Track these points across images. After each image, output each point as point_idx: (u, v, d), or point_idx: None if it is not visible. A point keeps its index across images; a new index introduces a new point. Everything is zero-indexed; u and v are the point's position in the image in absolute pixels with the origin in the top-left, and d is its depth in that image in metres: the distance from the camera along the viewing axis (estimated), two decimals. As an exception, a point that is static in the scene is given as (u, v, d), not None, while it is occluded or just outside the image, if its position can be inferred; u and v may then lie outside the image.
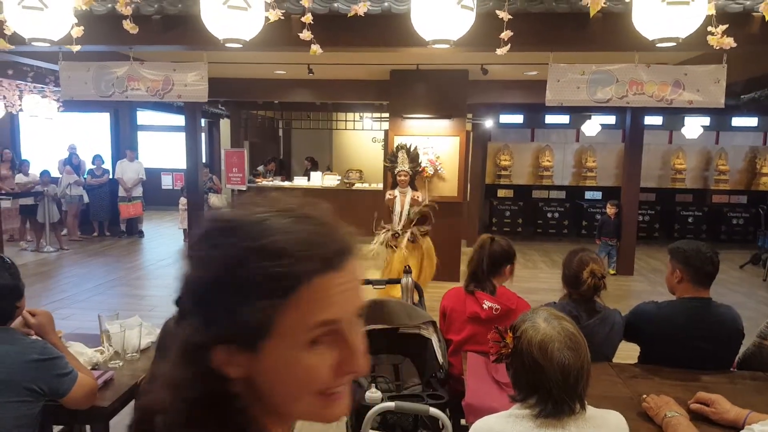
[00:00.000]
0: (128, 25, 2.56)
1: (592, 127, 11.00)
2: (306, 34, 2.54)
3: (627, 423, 1.99)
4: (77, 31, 2.49)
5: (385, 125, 10.40)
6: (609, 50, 4.22)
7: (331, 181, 11.65)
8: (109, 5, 2.47)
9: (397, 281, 3.43)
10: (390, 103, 8.41)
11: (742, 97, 8.42)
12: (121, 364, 2.50)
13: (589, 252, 2.69)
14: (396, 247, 6.08)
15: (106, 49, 5.04)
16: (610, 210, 8.58)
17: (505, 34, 2.62)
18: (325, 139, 15.38)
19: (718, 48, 2.46)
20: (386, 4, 3.26)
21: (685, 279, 2.54)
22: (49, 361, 1.89)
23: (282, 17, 2.49)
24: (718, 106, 4.63)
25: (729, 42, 2.41)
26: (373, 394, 2.42)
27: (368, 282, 3.33)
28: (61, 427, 2.90)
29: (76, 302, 6.46)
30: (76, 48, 2.78)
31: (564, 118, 12.34)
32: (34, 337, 2.05)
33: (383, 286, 3.44)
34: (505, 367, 1.55)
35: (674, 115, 11.23)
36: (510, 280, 3.01)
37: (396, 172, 6.35)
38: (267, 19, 2.45)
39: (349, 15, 2.62)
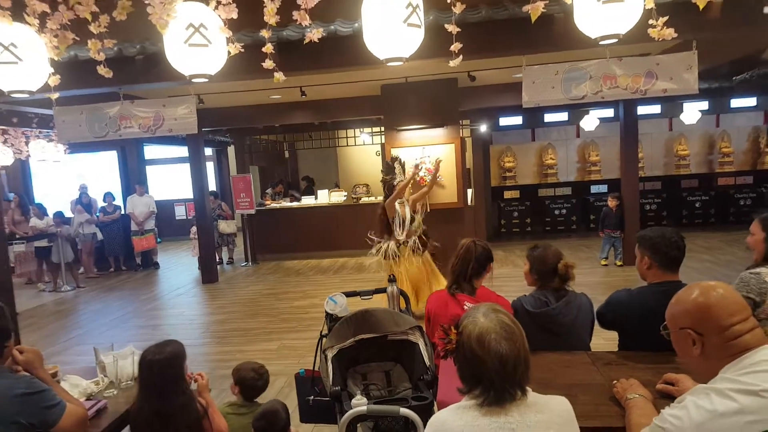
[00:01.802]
0: (102, 70, 2.70)
1: (590, 121, 11.04)
2: (268, 63, 2.67)
3: (599, 408, 2.08)
4: (54, 80, 2.64)
5: (383, 138, 10.53)
6: (573, 49, 4.31)
7: (338, 197, 11.82)
8: (85, 51, 2.62)
9: (384, 290, 3.52)
10: (384, 117, 8.56)
11: (734, 78, 8.42)
12: (115, 392, 2.62)
13: (553, 246, 2.84)
14: (398, 258, 6.15)
15: (96, 92, 5.27)
16: (612, 202, 8.62)
17: (455, 47, 2.72)
18: (330, 157, 15.56)
19: (659, 40, 2.54)
20: (332, 27, 3.41)
21: (654, 265, 2.61)
22: (36, 395, 2.01)
23: (242, 50, 2.62)
24: (693, 92, 4.68)
25: (670, 33, 2.48)
26: (358, 401, 2.50)
27: (356, 293, 3.42)
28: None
29: (91, 338, 6.63)
30: (55, 96, 2.94)
31: (563, 116, 12.38)
32: (23, 373, 2.14)
33: (370, 297, 3.53)
34: (453, 362, 1.63)
35: (672, 102, 11.21)
36: (491, 277, 3.10)
37: (396, 183, 6.46)
38: (229, 53, 2.59)
39: (305, 42, 2.75)
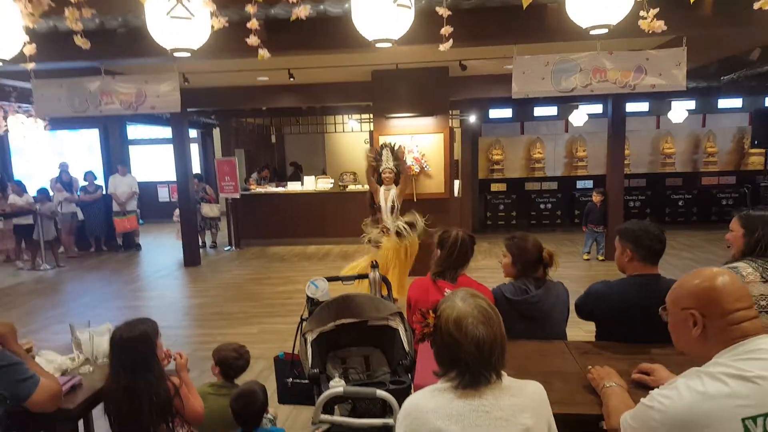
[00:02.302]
0: (79, 41, 2.63)
1: (579, 117, 11.07)
2: (253, 40, 2.62)
3: (574, 395, 2.09)
4: (29, 49, 2.56)
5: (371, 126, 10.48)
6: (564, 40, 4.30)
7: (325, 184, 11.76)
8: (64, 21, 2.54)
9: (366, 276, 3.51)
10: (373, 103, 8.50)
11: (722, 78, 8.47)
12: (91, 369, 2.58)
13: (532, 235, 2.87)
14: (381, 245, 6.16)
15: (79, 66, 5.15)
16: (596, 198, 8.67)
17: (445, 30, 2.68)
18: (318, 144, 15.47)
19: (650, 32, 2.53)
20: (322, 7, 3.35)
21: (635, 258, 2.62)
22: (8, 368, 1.98)
23: (227, 24, 2.56)
24: (681, 89, 4.69)
25: (660, 25, 2.47)
26: (336, 383, 2.49)
27: (337, 278, 3.41)
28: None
29: (70, 317, 6.54)
30: (31, 66, 2.85)
31: (552, 110, 12.40)
32: (-5, 347, 2.12)
33: (352, 282, 3.52)
34: (430, 346, 1.63)
35: (660, 100, 11.28)
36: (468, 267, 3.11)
37: (381, 170, 6.45)
38: (212, 27, 2.53)
39: (291, 19, 2.70)
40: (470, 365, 1.48)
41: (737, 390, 1.34)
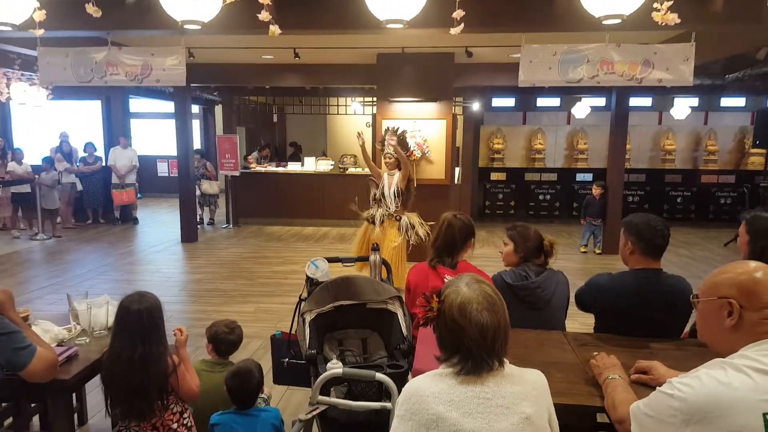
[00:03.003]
0: (91, 9, 2.60)
1: (582, 109, 11.03)
2: (264, 15, 2.59)
3: (573, 386, 2.10)
4: (39, 15, 2.53)
5: (374, 109, 10.44)
6: (574, 31, 4.27)
7: (325, 166, 11.72)
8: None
9: (366, 258, 3.51)
10: (377, 86, 8.45)
11: (727, 77, 8.45)
12: (88, 340, 2.58)
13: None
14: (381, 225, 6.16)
15: (85, 35, 5.09)
16: (596, 191, 8.68)
17: (457, 14, 2.66)
18: (320, 125, 15.39)
19: (662, 24, 2.51)
20: None
21: (637, 251, 2.62)
22: (5, 336, 1.97)
23: (238, -1, 2.54)
24: (687, 84, 4.67)
25: (673, 18, 2.46)
26: (333, 365, 2.50)
27: (338, 260, 3.41)
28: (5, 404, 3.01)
29: (65, 287, 6.54)
30: (40, 32, 2.82)
31: (555, 101, 12.35)
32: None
33: (352, 264, 3.52)
34: (433, 331, 1.62)
35: (663, 96, 11.24)
36: (470, 254, 3.10)
37: (384, 154, 6.41)
38: (224, 0, 2.50)
39: (303, -4, 2.67)
40: (473, 351, 1.47)
41: (761, 384, 1.34)
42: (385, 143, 6.49)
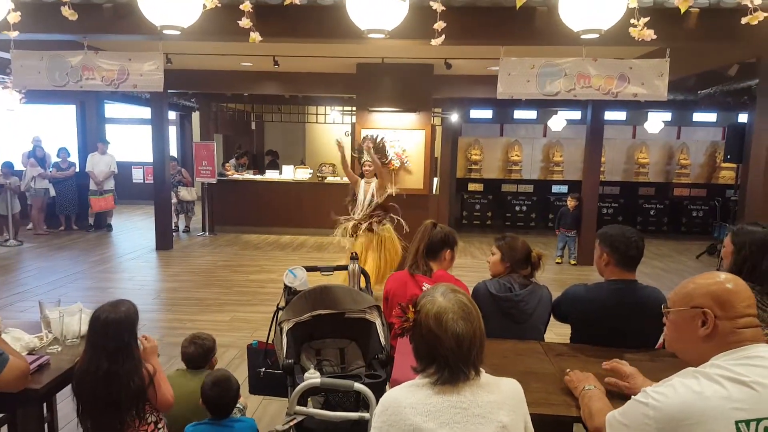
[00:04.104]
0: (67, 12, 2.56)
1: (558, 122, 11.19)
2: (245, 22, 2.58)
3: (550, 396, 2.11)
4: (14, 17, 2.48)
5: (354, 118, 10.47)
6: (553, 44, 4.35)
7: (303, 174, 11.69)
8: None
9: (345, 267, 3.50)
10: (357, 96, 8.48)
11: (699, 92, 8.65)
12: (60, 349, 2.53)
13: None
14: (356, 236, 6.15)
15: (61, 39, 5.02)
16: (571, 202, 8.78)
17: (438, 25, 2.69)
18: (298, 133, 15.36)
19: (639, 40, 2.57)
20: None
21: (612, 262, 2.65)
22: None
23: (219, 4, 2.52)
24: (662, 99, 4.78)
25: (650, 34, 2.52)
26: (311, 374, 2.48)
27: (316, 268, 3.39)
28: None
29: (36, 295, 6.40)
30: (14, 34, 2.77)
31: (532, 114, 12.53)
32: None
33: (331, 273, 3.50)
34: (409, 341, 1.62)
35: (637, 110, 11.47)
36: (450, 266, 3.11)
37: (362, 162, 6.40)
38: (204, 6, 2.49)
39: (285, 3, 2.67)
40: (449, 361, 1.47)
41: (734, 393, 1.36)
42: (363, 151, 6.48)
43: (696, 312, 1.53)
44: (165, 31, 2.47)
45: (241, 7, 2.53)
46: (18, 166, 10.23)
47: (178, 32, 2.48)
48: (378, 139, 6.49)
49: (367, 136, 7.40)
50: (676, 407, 1.40)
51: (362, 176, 6.39)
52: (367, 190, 6.20)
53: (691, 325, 1.54)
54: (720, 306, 1.50)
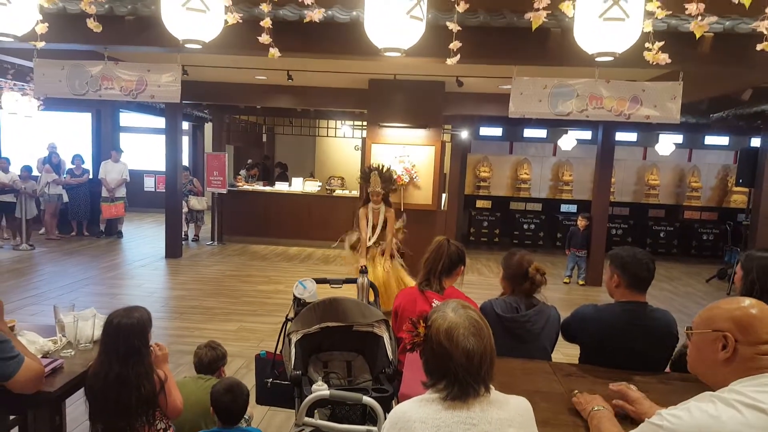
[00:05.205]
0: (92, 24, 2.63)
1: (568, 141, 11.21)
2: (265, 38, 2.64)
3: (558, 416, 2.11)
4: (41, 28, 2.55)
5: (364, 133, 10.54)
6: (566, 65, 4.38)
7: (312, 187, 11.76)
8: (76, 4, 2.54)
9: (354, 281, 3.52)
10: (368, 111, 8.54)
11: (711, 116, 8.65)
12: (73, 353, 2.56)
13: (527, 252, 2.88)
14: (361, 252, 6.18)
15: (82, 49, 5.12)
16: (581, 222, 8.77)
17: (454, 45, 2.73)
18: (308, 146, 15.47)
19: (654, 63, 2.59)
20: (330, 12, 3.40)
21: (623, 284, 2.64)
22: None
23: (240, 20, 2.58)
24: (674, 122, 4.79)
25: (664, 58, 2.54)
26: (319, 387, 2.49)
27: (325, 281, 3.41)
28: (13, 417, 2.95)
29: (47, 299, 6.47)
30: (41, 44, 2.84)
31: (542, 132, 12.55)
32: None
33: (340, 286, 3.52)
34: (419, 356, 1.64)
35: (648, 132, 11.47)
36: (461, 282, 3.12)
37: (369, 191, 6.34)
38: (226, 21, 2.54)
39: (304, 21, 2.72)
40: (459, 376, 1.48)
41: (750, 419, 1.35)
42: (371, 182, 6.35)
43: (717, 335, 1.53)
44: (187, 45, 2.52)
45: (262, 23, 2.58)
46: (34, 171, 10.37)
47: (200, 46, 2.53)
48: (384, 169, 6.40)
49: (369, 166, 7.09)
50: (691, 430, 1.40)
51: (368, 200, 6.31)
52: (376, 216, 6.22)
53: (712, 348, 1.55)
54: (741, 331, 1.50)
